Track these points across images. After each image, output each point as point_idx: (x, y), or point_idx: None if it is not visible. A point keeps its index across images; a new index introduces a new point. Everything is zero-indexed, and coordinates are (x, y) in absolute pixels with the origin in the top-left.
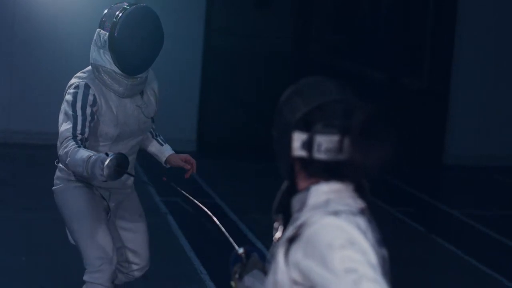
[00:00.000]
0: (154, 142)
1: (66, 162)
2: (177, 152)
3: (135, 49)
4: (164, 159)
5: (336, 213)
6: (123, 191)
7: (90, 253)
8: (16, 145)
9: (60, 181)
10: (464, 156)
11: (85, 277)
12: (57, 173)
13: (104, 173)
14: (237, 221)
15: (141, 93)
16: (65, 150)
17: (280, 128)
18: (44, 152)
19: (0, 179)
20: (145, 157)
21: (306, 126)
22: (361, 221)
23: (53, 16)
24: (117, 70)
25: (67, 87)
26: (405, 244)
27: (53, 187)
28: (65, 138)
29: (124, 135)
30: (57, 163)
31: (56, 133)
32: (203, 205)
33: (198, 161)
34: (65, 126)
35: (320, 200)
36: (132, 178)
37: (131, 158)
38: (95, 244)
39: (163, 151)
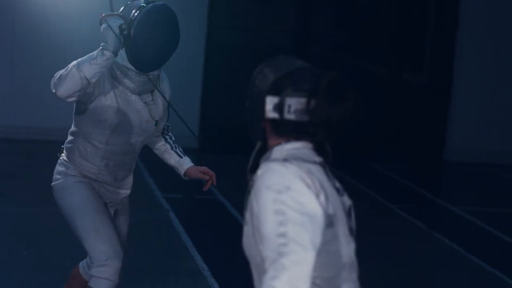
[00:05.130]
0: (174, 154)
1: (70, 70)
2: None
3: (150, 46)
4: (183, 171)
5: (285, 160)
6: (118, 191)
7: (95, 248)
8: (17, 140)
9: (60, 175)
10: (465, 152)
11: (92, 272)
12: (57, 167)
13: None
14: (238, 216)
15: (152, 92)
16: (63, 70)
17: (254, 97)
18: (45, 147)
19: (1, 173)
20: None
21: (277, 90)
22: (314, 168)
23: (54, 11)
24: (129, 65)
25: None
26: (405, 241)
27: (52, 183)
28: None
29: (123, 127)
30: (59, 155)
31: (56, 129)
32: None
33: (200, 156)
34: None
35: (281, 155)
36: (129, 181)
37: (130, 157)
38: (100, 239)
39: (182, 163)
